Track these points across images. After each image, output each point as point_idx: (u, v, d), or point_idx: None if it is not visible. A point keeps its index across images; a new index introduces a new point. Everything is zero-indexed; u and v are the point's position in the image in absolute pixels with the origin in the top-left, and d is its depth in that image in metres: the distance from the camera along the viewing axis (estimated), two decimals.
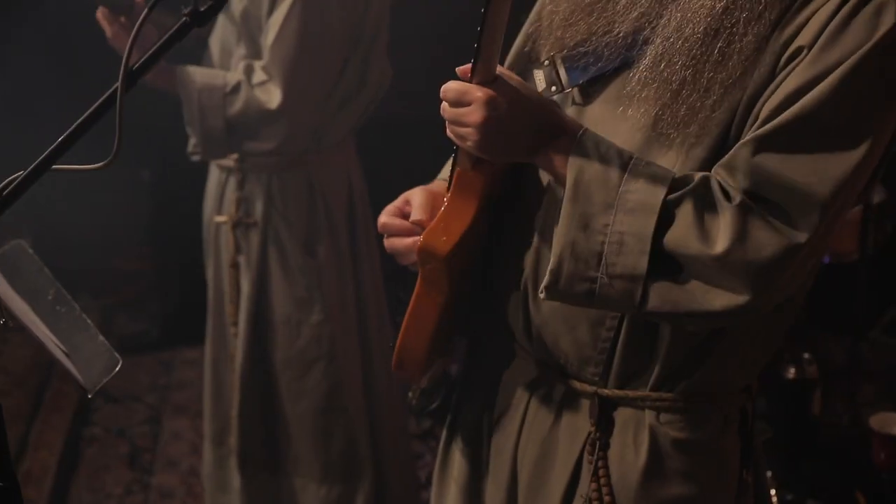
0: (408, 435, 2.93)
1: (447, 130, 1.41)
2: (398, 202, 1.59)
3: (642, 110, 1.38)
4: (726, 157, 1.33)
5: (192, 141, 2.50)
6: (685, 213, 1.31)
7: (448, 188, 1.48)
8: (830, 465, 2.29)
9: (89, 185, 4.09)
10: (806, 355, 2.35)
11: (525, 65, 1.57)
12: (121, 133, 1.26)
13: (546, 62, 1.50)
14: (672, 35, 1.35)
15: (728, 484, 1.52)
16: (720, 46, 1.33)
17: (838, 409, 2.86)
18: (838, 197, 1.29)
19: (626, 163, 1.34)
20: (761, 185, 1.29)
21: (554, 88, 1.49)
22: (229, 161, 2.53)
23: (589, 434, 1.50)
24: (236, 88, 2.39)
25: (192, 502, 3.28)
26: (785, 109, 1.29)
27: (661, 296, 1.32)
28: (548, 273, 1.37)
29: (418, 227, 1.51)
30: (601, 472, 1.49)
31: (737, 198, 1.29)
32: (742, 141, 1.32)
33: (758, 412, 2.71)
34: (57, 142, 1.29)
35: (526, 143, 1.39)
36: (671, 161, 1.37)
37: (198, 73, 2.43)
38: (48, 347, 1.62)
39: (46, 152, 1.29)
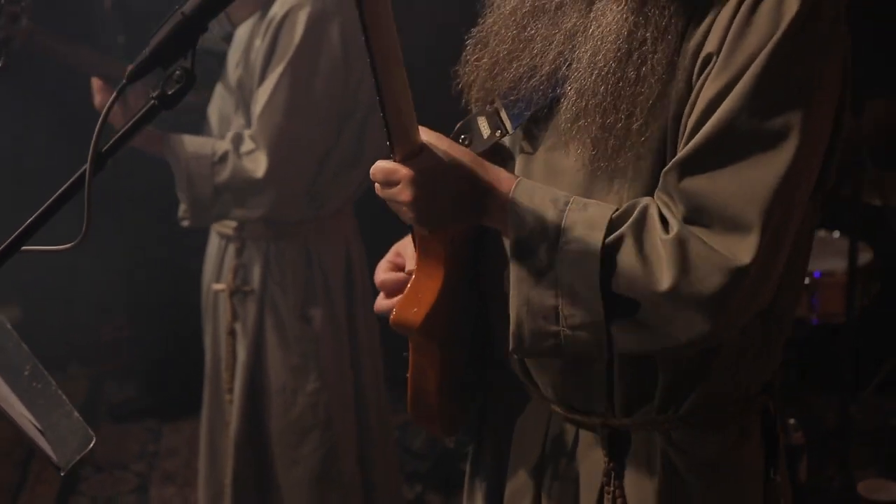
0: (403, 501, 2.91)
1: None
2: (390, 256, 1.60)
3: (579, 150, 1.36)
4: (660, 181, 1.30)
5: (182, 206, 2.51)
6: (626, 253, 1.28)
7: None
8: None
9: (76, 255, 4.11)
10: (791, 421, 2.33)
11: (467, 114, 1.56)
12: (89, 213, 1.26)
13: (488, 107, 1.49)
14: (586, 68, 1.33)
15: (752, 490, 1.50)
16: (634, 68, 1.30)
17: (830, 472, 2.84)
18: (775, 209, 1.25)
19: (561, 211, 1.31)
20: (694, 211, 1.27)
21: (499, 133, 1.48)
22: (228, 229, 2.56)
23: (605, 464, 1.48)
24: (224, 157, 2.41)
25: None
26: (703, 124, 1.26)
27: (625, 337, 1.31)
28: (510, 336, 1.35)
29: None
30: (618, 501, 1.47)
31: (674, 228, 1.27)
32: (668, 165, 1.29)
33: None
34: (26, 223, 1.28)
35: (463, 208, 1.37)
36: (616, 195, 1.35)
37: (187, 141, 2.45)
38: (21, 426, 1.61)
39: (15, 234, 1.29)
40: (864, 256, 3.06)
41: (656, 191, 1.32)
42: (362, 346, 2.67)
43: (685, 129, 1.30)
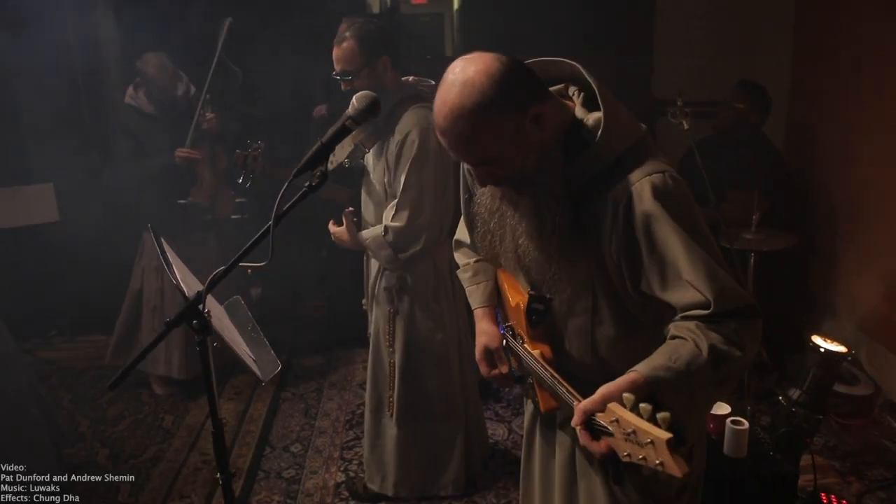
0: (481, 408, 2.85)
1: None
2: (484, 355, 1.53)
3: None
4: (702, 317, 1.20)
5: (378, 263, 2.48)
6: (717, 353, 1.18)
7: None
8: None
9: (297, 260, 4.15)
10: None
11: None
12: (272, 250, 1.29)
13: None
14: (524, 255, 1.34)
15: None
16: (550, 245, 1.29)
17: None
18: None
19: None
20: (725, 312, 1.20)
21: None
22: None
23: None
24: (385, 230, 2.36)
25: (336, 438, 3.17)
26: (670, 281, 1.21)
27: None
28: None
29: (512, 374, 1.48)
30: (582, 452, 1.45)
31: (731, 324, 1.20)
32: (708, 311, 1.19)
33: None
34: (242, 249, 1.33)
35: None
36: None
37: (366, 233, 2.42)
38: (244, 359, 1.64)
39: (236, 256, 1.33)
40: None
41: (696, 323, 1.20)
42: (461, 312, 2.60)
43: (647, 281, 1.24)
